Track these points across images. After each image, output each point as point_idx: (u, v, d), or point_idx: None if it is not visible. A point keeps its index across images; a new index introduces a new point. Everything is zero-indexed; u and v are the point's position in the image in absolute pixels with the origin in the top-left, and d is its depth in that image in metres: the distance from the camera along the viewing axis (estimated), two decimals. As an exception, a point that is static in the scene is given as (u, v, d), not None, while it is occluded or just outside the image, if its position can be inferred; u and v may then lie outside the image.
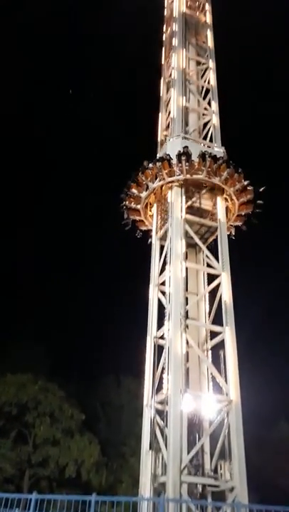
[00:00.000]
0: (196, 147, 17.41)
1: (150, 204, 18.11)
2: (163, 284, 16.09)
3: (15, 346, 32.26)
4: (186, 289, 15.77)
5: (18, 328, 37.22)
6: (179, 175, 16.40)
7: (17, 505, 12.76)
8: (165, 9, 22.79)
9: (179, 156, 16.34)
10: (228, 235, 17.41)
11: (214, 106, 19.59)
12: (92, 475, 27.12)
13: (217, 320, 15.51)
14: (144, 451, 13.22)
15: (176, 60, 19.76)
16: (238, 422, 12.97)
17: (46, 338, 38.38)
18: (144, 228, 18.87)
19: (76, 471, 27.22)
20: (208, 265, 16.82)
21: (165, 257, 16.27)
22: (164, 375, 13.75)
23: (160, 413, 13.86)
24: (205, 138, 19.40)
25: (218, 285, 15.62)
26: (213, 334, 15.59)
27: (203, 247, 16.71)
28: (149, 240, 18.22)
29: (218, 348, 14.96)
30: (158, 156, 18.37)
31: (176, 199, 16.57)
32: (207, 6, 22.41)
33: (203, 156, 16.46)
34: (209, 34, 21.56)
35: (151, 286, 16.72)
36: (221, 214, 16.91)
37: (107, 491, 26.71)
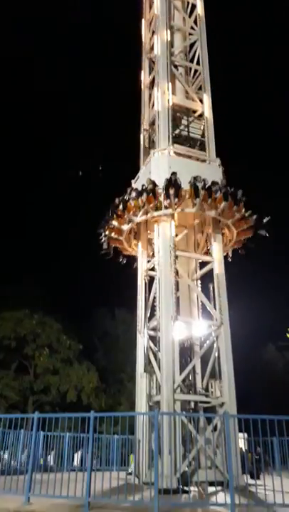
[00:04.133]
0: (186, 165, 14.86)
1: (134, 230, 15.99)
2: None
3: (11, 284, 32.74)
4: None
5: (15, 266, 37.65)
6: (167, 208, 14.03)
7: (21, 427, 13.72)
8: None
9: (167, 187, 13.71)
10: (225, 256, 15.71)
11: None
12: (92, 399, 28.89)
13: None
14: (139, 374, 14.00)
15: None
16: (227, 345, 13.64)
17: (42, 273, 38.95)
18: (127, 253, 16.85)
19: (77, 396, 28.93)
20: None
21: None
22: (156, 304, 14.19)
23: (153, 339, 14.51)
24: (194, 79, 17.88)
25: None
26: (203, 264, 15.89)
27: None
28: (135, 265, 16.32)
29: (208, 276, 15.34)
30: (141, 172, 16.13)
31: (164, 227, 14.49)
32: None
33: (195, 187, 13.74)
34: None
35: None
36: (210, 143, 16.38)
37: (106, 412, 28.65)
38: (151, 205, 14.11)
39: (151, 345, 14.31)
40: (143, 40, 19.45)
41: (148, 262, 15.67)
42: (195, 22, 18.50)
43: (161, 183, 13.98)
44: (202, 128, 17.02)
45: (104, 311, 38.01)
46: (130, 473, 12.93)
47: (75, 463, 17.63)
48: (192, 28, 18.52)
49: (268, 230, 15.36)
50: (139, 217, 14.63)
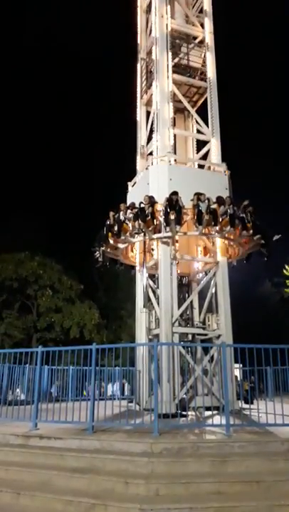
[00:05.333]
0: (189, 174, 13.66)
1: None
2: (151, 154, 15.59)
3: (11, 227, 32.65)
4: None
5: (13, 207, 37.38)
6: (167, 231, 12.71)
7: (26, 362, 14.31)
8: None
9: (166, 213, 12.33)
10: (229, 263, 14.39)
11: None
12: (94, 335, 29.92)
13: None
14: (139, 309, 14.38)
15: None
16: (224, 280, 13.87)
17: (41, 215, 38.72)
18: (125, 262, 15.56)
19: (79, 332, 29.93)
20: (198, 131, 16.11)
21: (152, 124, 15.45)
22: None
23: (152, 277, 14.73)
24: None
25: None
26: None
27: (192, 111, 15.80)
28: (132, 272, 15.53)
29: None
30: (137, 182, 14.81)
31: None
32: None
33: (198, 213, 12.25)
34: None
35: (138, 156, 16.37)
36: (211, 72, 15.57)
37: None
38: (149, 228, 12.79)
39: (151, 282, 14.55)
40: None
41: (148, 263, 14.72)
42: None
43: (160, 199, 12.81)
44: (203, 56, 16.11)
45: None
46: (131, 402, 13.68)
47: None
48: None
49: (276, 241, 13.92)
50: (137, 239, 13.50)
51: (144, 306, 14.19)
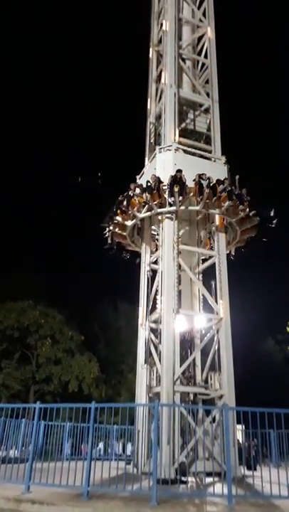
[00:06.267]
0: (191, 163, 14.78)
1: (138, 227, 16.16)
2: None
3: (15, 275, 32.98)
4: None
5: (18, 257, 37.89)
6: (171, 205, 13.94)
7: (23, 416, 13.90)
8: None
9: (171, 185, 13.71)
10: (227, 254, 15.56)
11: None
12: (93, 389, 29.17)
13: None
14: (140, 365, 14.15)
15: None
16: (227, 338, 13.75)
17: (45, 266, 39.18)
18: (130, 249, 16.91)
19: (78, 386, 29.21)
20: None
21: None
22: (158, 297, 14.29)
23: (154, 331, 14.63)
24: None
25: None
26: (205, 258, 15.94)
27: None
28: (138, 260, 16.47)
29: (209, 271, 15.41)
30: (146, 169, 16.16)
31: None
32: None
33: (200, 185, 13.79)
34: None
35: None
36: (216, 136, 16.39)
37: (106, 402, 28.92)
38: (155, 202, 14.08)
39: (153, 337, 14.43)
40: (151, 33, 19.26)
41: (151, 256, 15.73)
42: (204, 14, 18.36)
43: (165, 180, 14.02)
44: (208, 122, 17.00)
45: (106, 304, 38.25)
46: (129, 463, 13.11)
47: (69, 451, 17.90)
48: (201, 20, 18.38)
49: (273, 223, 15.24)
50: (143, 214, 14.64)
51: (145, 362, 13.98)
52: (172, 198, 13.72)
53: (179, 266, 14.37)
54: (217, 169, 15.20)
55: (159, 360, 13.26)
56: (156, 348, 14.10)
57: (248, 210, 14.43)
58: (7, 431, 13.45)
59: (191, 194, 14.08)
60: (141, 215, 14.74)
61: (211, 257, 15.37)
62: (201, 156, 15.74)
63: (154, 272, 15.39)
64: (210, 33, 17.92)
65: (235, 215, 14.56)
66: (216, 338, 13.93)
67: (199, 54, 18.33)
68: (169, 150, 15.01)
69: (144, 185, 14.39)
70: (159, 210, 14.19)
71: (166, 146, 15.22)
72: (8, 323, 28.79)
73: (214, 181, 14.08)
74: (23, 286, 31.84)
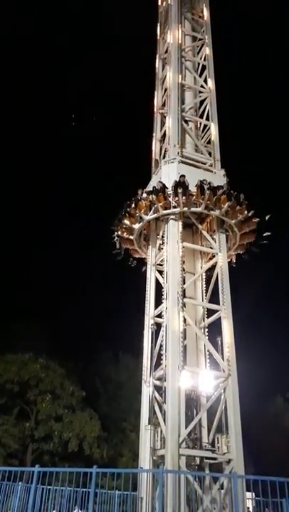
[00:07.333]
0: (194, 173, 16.02)
1: (144, 233, 17.23)
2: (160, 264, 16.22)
3: (15, 327, 32.65)
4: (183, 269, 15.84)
5: (19, 309, 37.68)
6: (176, 207, 15.15)
7: (20, 479, 13.23)
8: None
9: (175, 187, 14.98)
10: (229, 262, 16.35)
11: (210, 83, 19.23)
12: (94, 449, 27.88)
13: (214, 299, 15.69)
14: (143, 426, 13.60)
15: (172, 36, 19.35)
16: (234, 397, 13.29)
17: (45, 316, 38.86)
18: (137, 256, 17.94)
19: (78, 445, 27.95)
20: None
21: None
22: (162, 352, 14.01)
23: (158, 389, 14.18)
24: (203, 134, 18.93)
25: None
26: (210, 312, 15.81)
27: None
28: (144, 268, 17.45)
29: (215, 326, 15.22)
30: (152, 180, 17.25)
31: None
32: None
33: (201, 187, 15.04)
34: (205, 10, 20.91)
35: (148, 266, 16.94)
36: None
37: (108, 464, 27.52)
38: (161, 203, 15.21)
39: (157, 395, 13.98)
40: (155, 98, 20.34)
41: (156, 256, 16.47)
42: (205, 81, 19.50)
43: (170, 185, 15.22)
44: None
45: (108, 356, 37.44)
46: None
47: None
48: (202, 86, 19.49)
49: (271, 230, 16.32)
50: (150, 216, 15.65)
51: (148, 422, 13.44)
52: (176, 198, 14.97)
53: (184, 320, 14.22)
54: (217, 178, 16.40)
55: (164, 421, 12.76)
56: (160, 407, 13.62)
57: (246, 212, 15.56)
58: (2, 495, 12.75)
59: (194, 197, 15.22)
60: (148, 217, 15.76)
61: (216, 311, 15.21)
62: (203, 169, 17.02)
63: (158, 326, 15.20)
64: (214, 132, 18.46)
65: (235, 217, 15.61)
66: (222, 397, 13.48)
67: (201, 116, 19.21)
68: (173, 162, 16.32)
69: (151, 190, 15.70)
70: (165, 212, 15.30)
71: (171, 158, 16.49)
72: (8, 377, 28.00)
73: (214, 186, 15.36)
74: (24, 337, 31.32)
